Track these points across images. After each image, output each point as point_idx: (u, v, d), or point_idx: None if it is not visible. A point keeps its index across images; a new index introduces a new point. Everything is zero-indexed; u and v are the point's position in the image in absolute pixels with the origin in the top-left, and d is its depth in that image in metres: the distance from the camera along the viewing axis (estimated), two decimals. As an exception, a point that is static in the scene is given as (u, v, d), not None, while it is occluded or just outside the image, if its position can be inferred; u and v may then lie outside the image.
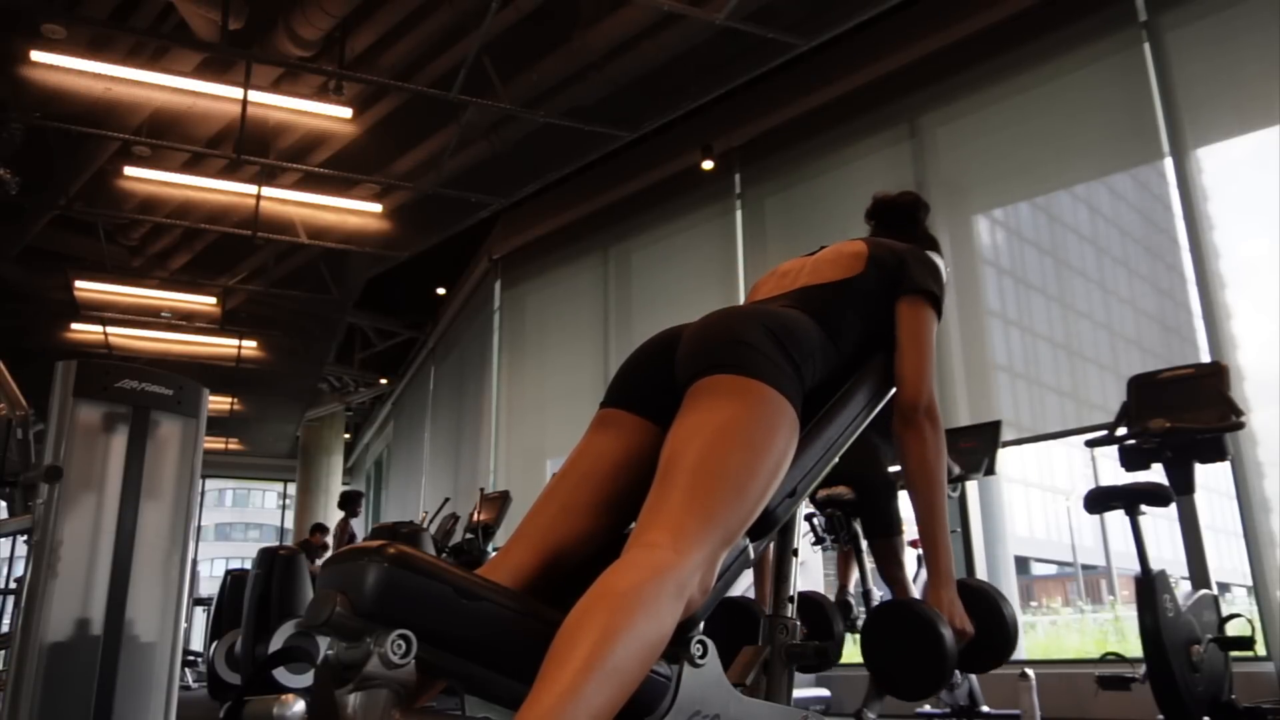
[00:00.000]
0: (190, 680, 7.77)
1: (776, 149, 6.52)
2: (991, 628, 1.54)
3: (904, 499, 3.64)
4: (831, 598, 3.73)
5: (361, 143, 6.74)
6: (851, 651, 4.55)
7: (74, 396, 2.57)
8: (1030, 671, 3.48)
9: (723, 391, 1.30)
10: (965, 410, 4.90)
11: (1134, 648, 3.01)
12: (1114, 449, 3.25)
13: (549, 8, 5.49)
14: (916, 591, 3.56)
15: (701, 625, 1.22)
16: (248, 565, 4.96)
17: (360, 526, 10.52)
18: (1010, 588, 5.09)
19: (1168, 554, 3.95)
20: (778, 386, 1.30)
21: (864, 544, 3.56)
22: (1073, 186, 5.22)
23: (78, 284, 8.79)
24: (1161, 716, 2.77)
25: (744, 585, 3.74)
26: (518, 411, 8.45)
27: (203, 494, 10.75)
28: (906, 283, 1.63)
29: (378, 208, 7.57)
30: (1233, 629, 3.00)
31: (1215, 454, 3.11)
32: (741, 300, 1.82)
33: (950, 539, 1.56)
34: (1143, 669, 2.80)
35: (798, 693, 1.56)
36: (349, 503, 8.68)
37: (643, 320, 7.22)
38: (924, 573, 3.73)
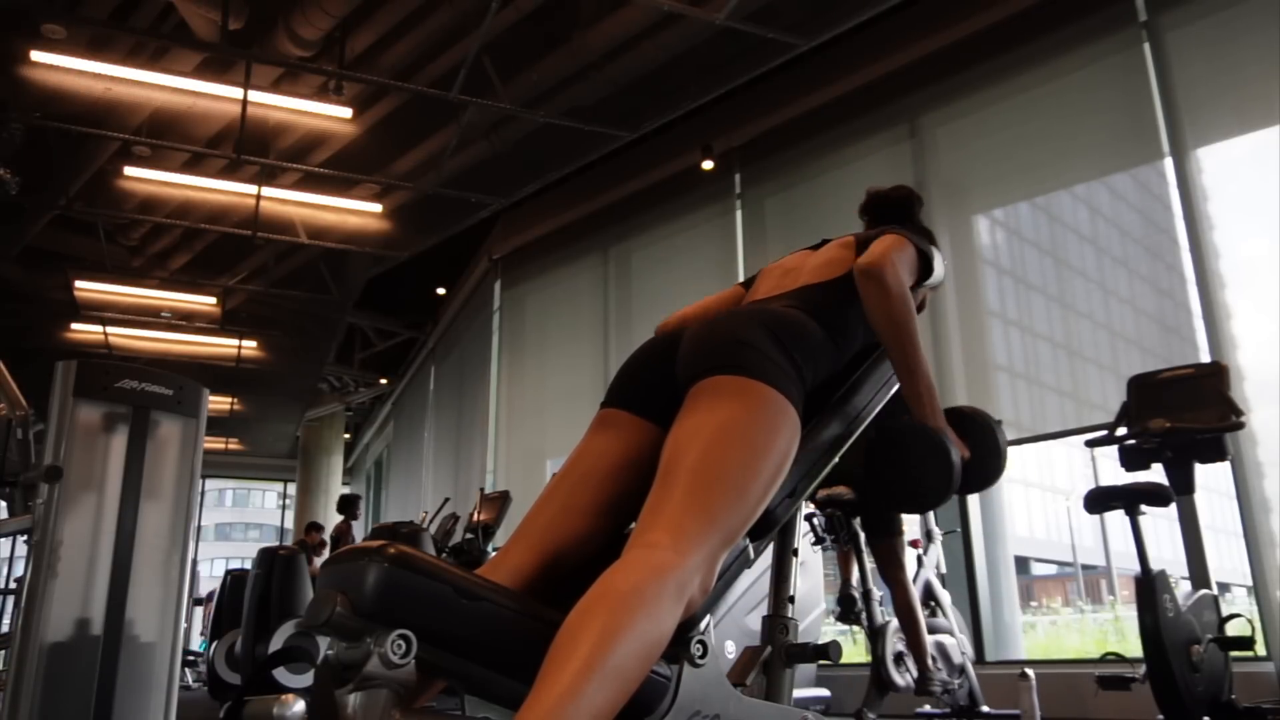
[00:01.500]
0: (190, 680, 7.77)
1: (776, 149, 6.52)
2: (984, 448, 1.59)
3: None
4: (834, 597, 3.73)
5: (361, 143, 6.74)
6: (852, 651, 4.55)
7: (74, 396, 2.57)
8: (1030, 671, 3.48)
9: (724, 392, 1.30)
10: (965, 410, 4.89)
11: (1134, 648, 3.02)
12: (1114, 449, 3.25)
13: (549, 8, 5.49)
14: (916, 591, 3.57)
15: (702, 625, 1.22)
16: (248, 565, 4.96)
17: (359, 527, 10.53)
18: (1010, 588, 5.09)
19: (1168, 554, 3.94)
20: (779, 387, 1.30)
21: (864, 543, 3.56)
22: (1073, 186, 5.22)
23: (78, 284, 8.79)
24: (1161, 716, 2.77)
25: (744, 585, 3.74)
26: (518, 412, 8.45)
27: (203, 494, 10.75)
28: (883, 231, 1.65)
29: (378, 208, 7.57)
30: (1233, 629, 3.00)
31: (1215, 454, 3.11)
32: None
33: (932, 380, 1.56)
34: (1143, 669, 2.80)
35: (798, 693, 1.56)
36: (348, 506, 8.69)
37: (643, 320, 7.22)
38: (924, 572, 3.74)
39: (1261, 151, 4.23)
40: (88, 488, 2.57)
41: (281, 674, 3.80)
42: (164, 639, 2.67)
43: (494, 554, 2.10)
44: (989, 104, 5.39)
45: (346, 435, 15.63)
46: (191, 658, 8.18)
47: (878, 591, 3.55)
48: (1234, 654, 2.96)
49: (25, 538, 2.51)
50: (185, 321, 9.94)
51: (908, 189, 1.94)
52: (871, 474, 1.57)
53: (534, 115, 6.15)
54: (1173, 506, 3.07)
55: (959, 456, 1.51)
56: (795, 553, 1.58)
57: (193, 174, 7.16)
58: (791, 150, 6.41)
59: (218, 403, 11.91)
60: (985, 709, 3.62)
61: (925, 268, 1.64)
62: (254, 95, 5.98)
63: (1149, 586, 2.77)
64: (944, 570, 3.89)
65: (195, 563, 9.16)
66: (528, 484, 7.32)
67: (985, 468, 1.60)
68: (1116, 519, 2.95)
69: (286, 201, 7.43)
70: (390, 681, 1.01)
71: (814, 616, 4.43)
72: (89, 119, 6.25)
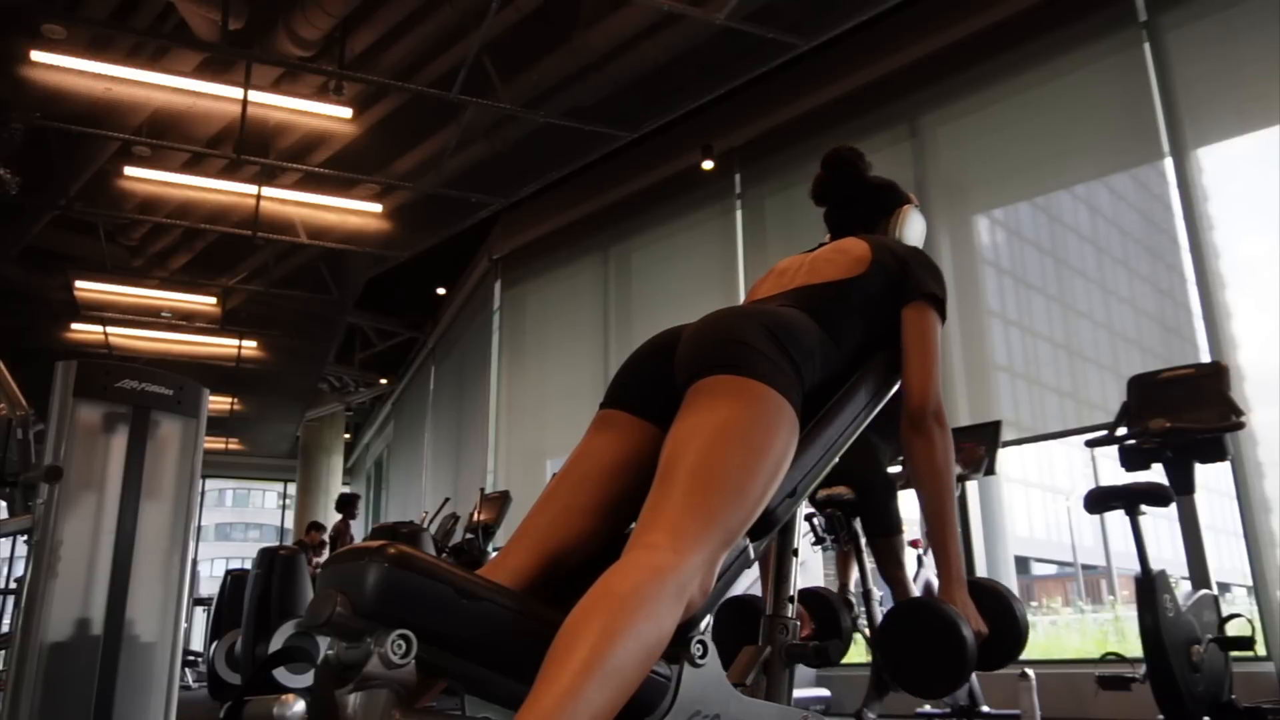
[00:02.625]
0: (190, 680, 7.77)
1: (776, 149, 6.52)
2: (1003, 626, 1.55)
3: (904, 499, 3.65)
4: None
5: (361, 143, 6.74)
6: (852, 651, 4.55)
7: (74, 396, 2.57)
8: (1030, 671, 3.48)
9: (722, 392, 1.30)
10: (965, 410, 4.90)
11: (1134, 648, 3.02)
12: (1114, 449, 3.25)
13: (549, 8, 5.49)
14: (916, 590, 3.57)
15: (702, 625, 1.22)
16: (248, 565, 4.96)
17: (359, 527, 10.53)
18: (1010, 588, 5.08)
19: (1168, 554, 3.94)
20: (777, 387, 1.30)
21: (864, 544, 3.56)
22: (1073, 186, 5.22)
23: (78, 284, 8.79)
24: (1161, 716, 2.77)
25: (744, 585, 3.74)
26: (518, 411, 8.45)
27: (203, 494, 10.75)
28: (911, 287, 1.63)
29: (378, 208, 7.57)
30: (1233, 629, 3.00)
31: (1215, 454, 3.11)
32: (742, 300, 1.82)
33: (960, 541, 1.57)
34: (1143, 669, 2.80)
35: (798, 693, 1.56)
36: (346, 505, 8.69)
37: (643, 320, 7.22)
38: (924, 572, 3.74)
39: (1261, 151, 4.24)
40: (88, 488, 2.57)
41: (281, 674, 3.79)
42: (164, 639, 2.67)
43: (494, 554, 2.10)
44: (989, 104, 5.39)
45: (346, 435, 15.63)
46: (191, 658, 8.17)
47: (878, 591, 3.55)
48: (1234, 654, 2.96)
49: (25, 538, 2.51)
50: (185, 321, 9.94)
51: (889, 182, 1.97)
52: (885, 652, 1.55)
53: (534, 115, 6.15)
54: (1173, 506, 3.06)
55: (973, 637, 1.47)
56: (795, 552, 1.58)
57: (193, 174, 7.16)
58: (791, 150, 6.41)
59: (218, 403, 11.91)
60: (985, 709, 3.62)
61: (942, 312, 1.66)
62: (254, 95, 5.98)
63: (1149, 586, 2.77)
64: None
65: (195, 563, 9.16)
66: (528, 484, 7.32)
67: (1002, 647, 1.55)
68: (1116, 519, 2.94)
69: (286, 201, 7.43)
70: (390, 682, 1.00)
71: (814, 616, 4.42)
72: (89, 119, 6.25)
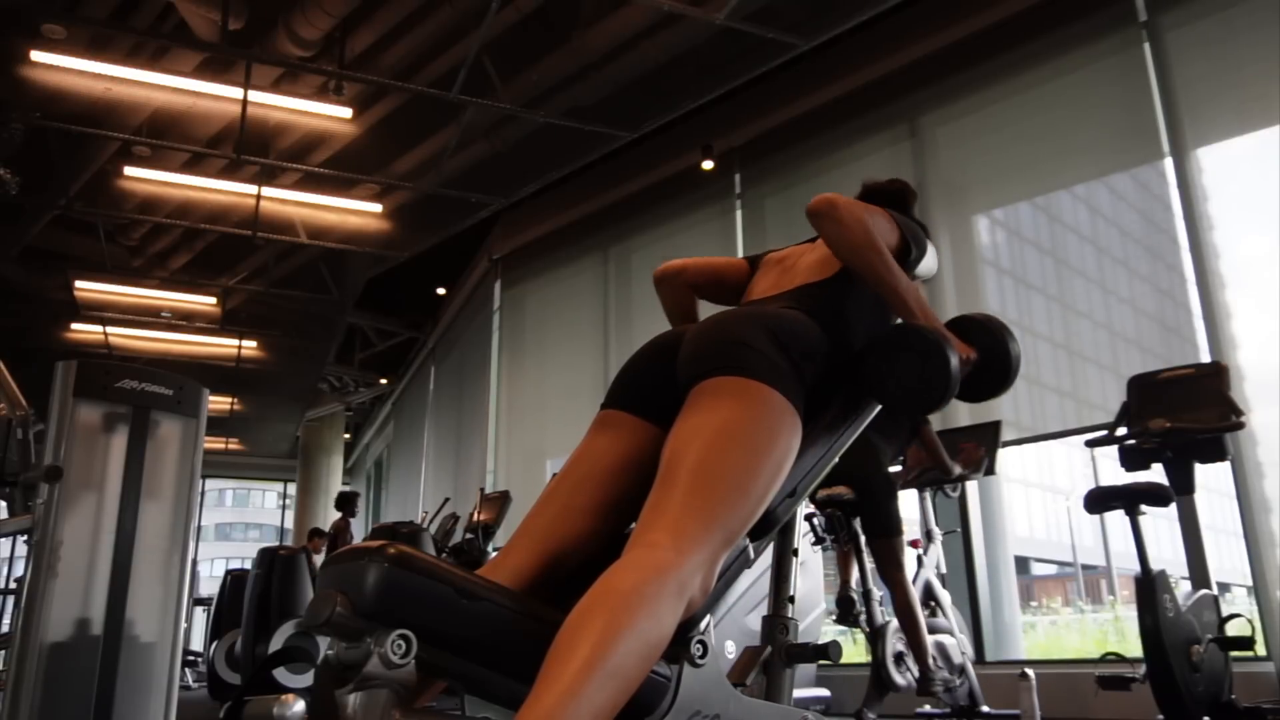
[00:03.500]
0: (190, 680, 7.77)
1: (776, 149, 6.52)
2: (992, 353, 1.55)
3: (904, 499, 3.65)
4: (833, 597, 3.74)
5: (361, 143, 6.74)
6: (852, 651, 4.55)
7: (74, 396, 2.57)
8: (1030, 671, 3.48)
9: (724, 393, 1.30)
10: (965, 410, 4.90)
11: (1134, 648, 3.02)
12: (1114, 449, 3.25)
13: (549, 8, 5.49)
14: (917, 591, 3.57)
15: (702, 625, 1.22)
16: (248, 565, 4.96)
17: (359, 526, 10.53)
18: (1010, 588, 5.09)
19: (1168, 554, 3.94)
20: (779, 388, 1.31)
21: (864, 543, 3.56)
22: (1073, 186, 5.22)
23: (78, 284, 8.79)
24: (1161, 716, 2.77)
25: (744, 585, 3.74)
26: (518, 411, 8.45)
27: (203, 494, 10.75)
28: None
29: (378, 208, 7.57)
30: (1233, 629, 3.00)
31: (1215, 454, 3.11)
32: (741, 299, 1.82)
33: (916, 291, 1.52)
34: (1143, 669, 2.80)
35: (798, 693, 1.56)
36: (346, 503, 8.69)
37: (643, 320, 7.22)
38: (924, 572, 3.74)
39: (1261, 151, 4.24)
40: (88, 488, 2.57)
41: (281, 674, 3.80)
42: (164, 639, 2.67)
43: (494, 554, 2.09)
44: (989, 104, 5.39)
45: (346, 435, 15.63)
46: (191, 658, 8.18)
47: (878, 591, 3.55)
48: (1234, 654, 2.96)
49: (25, 538, 2.51)
50: (185, 321, 9.94)
51: (903, 182, 1.94)
52: (869, 380, 1.51)
53: (534, 115, 6.15)
54: (1173, 506, 3.06)
55: (958, 356, 1.46)
56: (795, 553, 1.58)
57: (193, 174, 7.15)
58: (791, 150, 6.41)
59: (218, 403, 11.90)
60: (985, 709, 3.62)
61: (905, 245, 1.60)
62: (254, 95, 5.98)
63: (1149, 586, 2.77)
64: (944, 570, 3.89)
65: (195, 563, 9.16)
66: (528, 484, 7.32)
67: (993, 371, 1.56)
68: (1116, 519, 2.95)
69: (286, 201, 7.43)
70: (390, 681, 1.01)
71: (814, 616, 4.43)
72: (89, 119, 6.25)
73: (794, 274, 1.67)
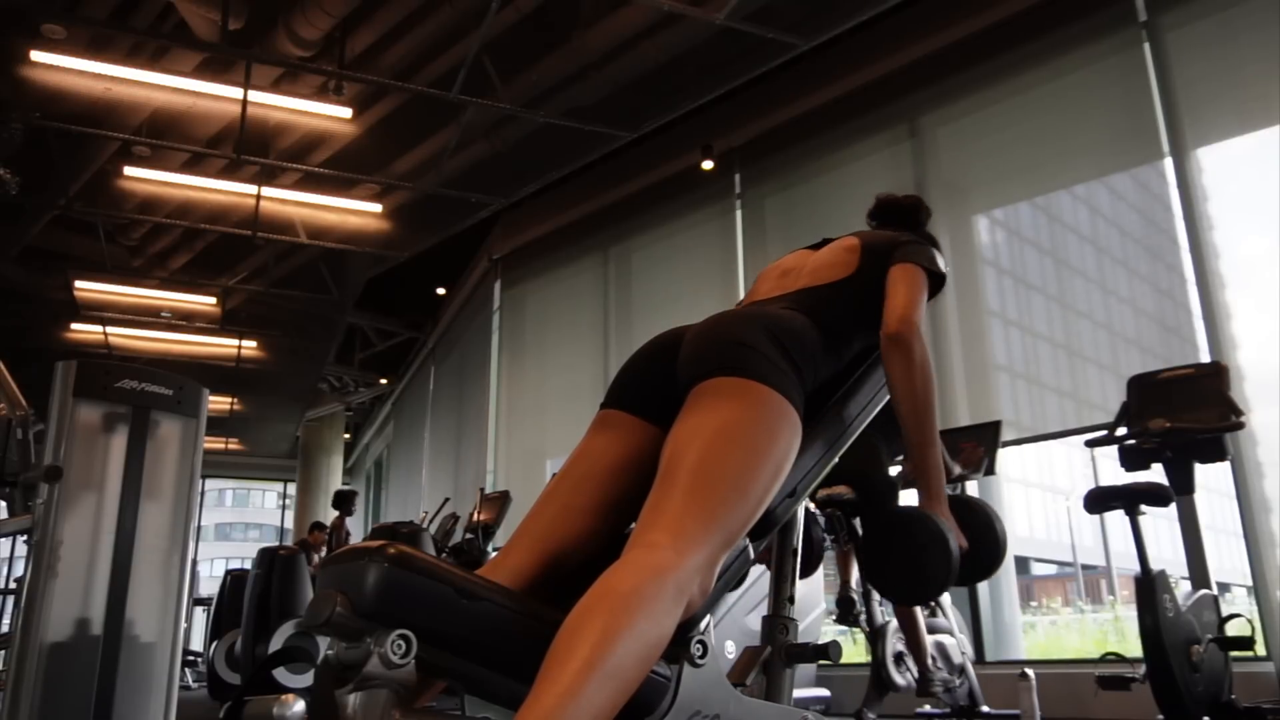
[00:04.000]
0: (190, 680, 7.77)
1: (776, 149, 6.52)
2: (983, 541, 1.57)
3: (904, 499, 3.64)
4: (833, 597, 3.73)
5: (361, 143, 6.74)
6: (852, 651, 4.55)
7: (74, 396, 2.57)
8: (1030, 671, 3.48)
9: (724, 393, 1.30)
10: (965, 410, 4.90)
11: (1134, 648, 3.02)
12: (1114, 449, 3.25)
13: (549, 8, 5.49)
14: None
15: (702, 625, 1.22)
16: (248, 565, 4.96)
17: (358, 526, 10.53)
18: (1010, 588, 5.09)
19: (1168, 554, 3.94)
20: (779, 388, 1.31)
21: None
22: (1073, 186, 5.22)
23: (78, 284, 8.79)
24: (1161, 716, 2.77)
25: (744, 585, 3.73)
26: (518, 411, 8.45)
27: (203, 494, 10.75)
28: (898, 254, 1.63)
29: (378, 208, 7.57)
30: (1233, 629, 3.00)
31: (1215, 454, 3.11)
32: (741, 298, 1.82)
33: (940, 457, 1.56)
34: (1143, 669, 2.80)
35: (798, 693, 1.56)
36: (343, 502, 8.69)
37: (643, 320, 7.22)
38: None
39: (1261, 151, 4.23)
40: (88, 488, 2.57)
41: (281, 674, 3.79)
42: (164, 639, 2.67)
43: (494, 554, 2.09)
44: (989, 104, 5.39)
45: (346, 435, 15.62)
46: (191, 658, 8.18)
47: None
48: (1234, 654, 2.96)
49: (25, 538, 2.51)
50: (185, 321, 9.94)
51: (917, 198, 1.95)
52: (870, 560, 1.56)
53: (534, 115, 6.15)
54: (1173, 506, 3.06)
55: (958, 548, 1.49)
56: (795, 552, 1.58)
57: (193, 174, 7.15)
58: (791, 150, 6.41)
59: (218, 403, 11.90)
60: (985, 709, 3.62)
61: (935, 283, 1.64)
62: (254, 95, 5.98)
63: (1149, 586, 2.77)
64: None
65: (195, 563, 9.16)
66: (528, 484, 7.32)
67: (983, 560, 1.58)
68: (1116, 519, 2.94)
69: (286, 201, 7.43)
70: (390, 681, 1.01)
71: (814, 616, 4.43)
72: (89, 119, 6.24)
73: (796, 276, 1.67)
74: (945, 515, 1.54)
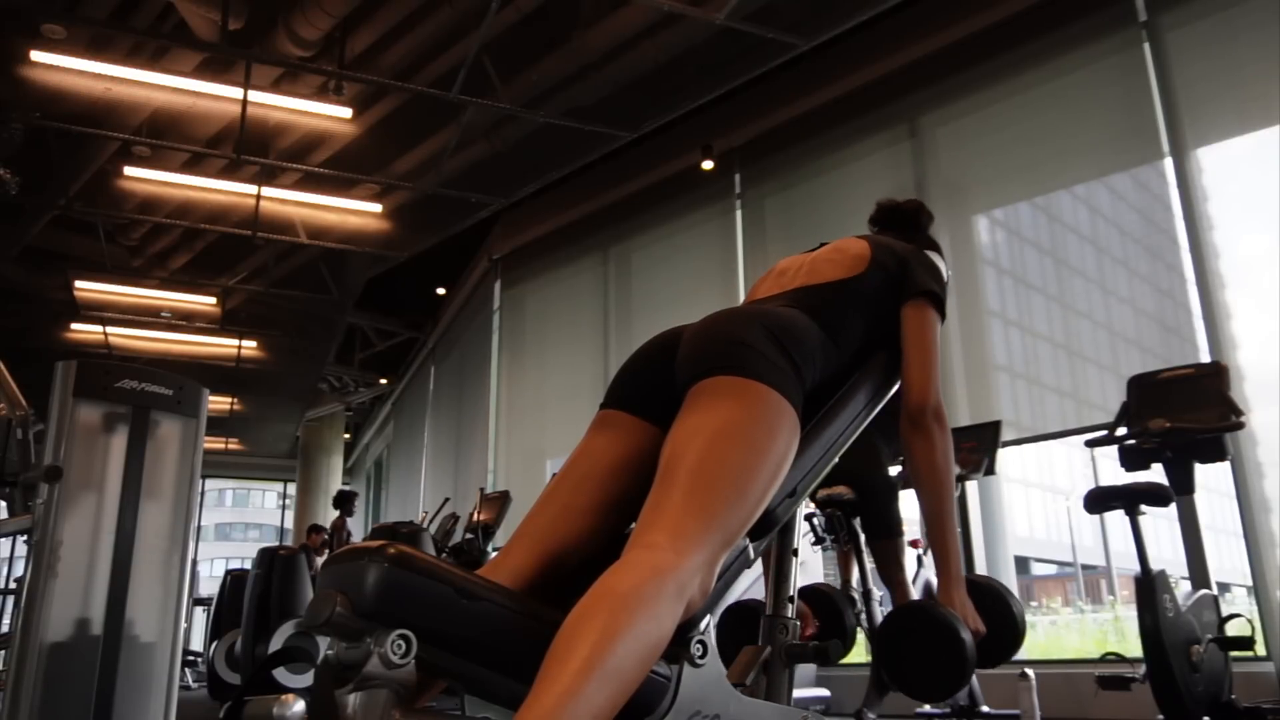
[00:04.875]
0: (190, 680, 7.77)
1: (776, 149, 6.52)
2: (1000, 624, 1.56)
3: (905, 499, 3.65)
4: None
5: (361, 143, 6.74)
6: (852, 651, 4.55)
7: (74, 396, 2.57)
8: (1030, 671, 3.48)
9: (723, 393, 1.30)
10: (965, 410, 4.90)
11: (1134, 648, 3.02)
12: (1114, 449, 3.25)
13: (549, 8, 5.49)
14: (916, 592, 3.56)
15: (702, 625, 1.22)
16: (248, 565, 4.96)
17: (357, 526, 10.53)
18: (1010, 588, 5.08)
19: (1168, 554, 3.94)
20: (778, 387, 1.31)
21: (864, 543, 3.56)
22: (1073, 186, 5.22)
23: (78, 284, 8.79)
24: (1161, 716, 2.77)
25: (744, 585, 3.73)
26: (518, 411, 8.45)
27: (203, 494, 10.75)
28: (909, 286, 1.63)
29: (378, 208, 7.57)
30: (1233, 629, 3.00)
31: (1215, 454, 3.11)
32: (741, 300, 1.82)
33: (959, 541, 1.57)
34: (1143, 669, 2.80)
35: (798, 693, 1.56)
36: (344, 502, 8.70)
37: (643, 320, 7.22)
38: (924, 572, 3.74)
39: (1261, 151, 4.23)
40: (88, 488, 2.57)
41: (281, 674, 3.79)
42: (164, 639, 2.67)
43: (494, 554, 2.09)
44: (989, 104, 5.39)
45: (346, 435, 15.62)
46: (191, 658, 8.18)
47: (878, 591, 3.55)
48: (1234, 654, 2.96)
49: (25, 538, 2.51)
50: (185, 321, 9.94)
51: (918, 203, 1.95)
52: (886, 658, 1.55)
53: (534, 115, 6.15)
54: (1173, 506, 3.06)
55: (972, 639, 1.47)
56: (795, 553, 1.58)
57: (193, 174, 7.15)
58: (791, 150, 6.41)
59: (218, 403, 11.90)
60: (985, 709, 3.62)
61: (942, 311, 1.65)
62: (254, 95, 5.98)
63: (1149, 586, 2.77)
64: (944, 570, 3.88)
65: (195, 563, 9.16)
66: (528, 484, 7.32)
67: (1000, 645, 1.57)
68: (1116, 519, 2.94)
69: (286, 201, 7.43)
70: (390, 681, 1.00)
71: (814, 616, 4.42)
72: (89, 119, 6.24)
73: (796, 275, 1.67)
74: (962, 601, 1.53)
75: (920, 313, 1.62)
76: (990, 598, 1.59)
